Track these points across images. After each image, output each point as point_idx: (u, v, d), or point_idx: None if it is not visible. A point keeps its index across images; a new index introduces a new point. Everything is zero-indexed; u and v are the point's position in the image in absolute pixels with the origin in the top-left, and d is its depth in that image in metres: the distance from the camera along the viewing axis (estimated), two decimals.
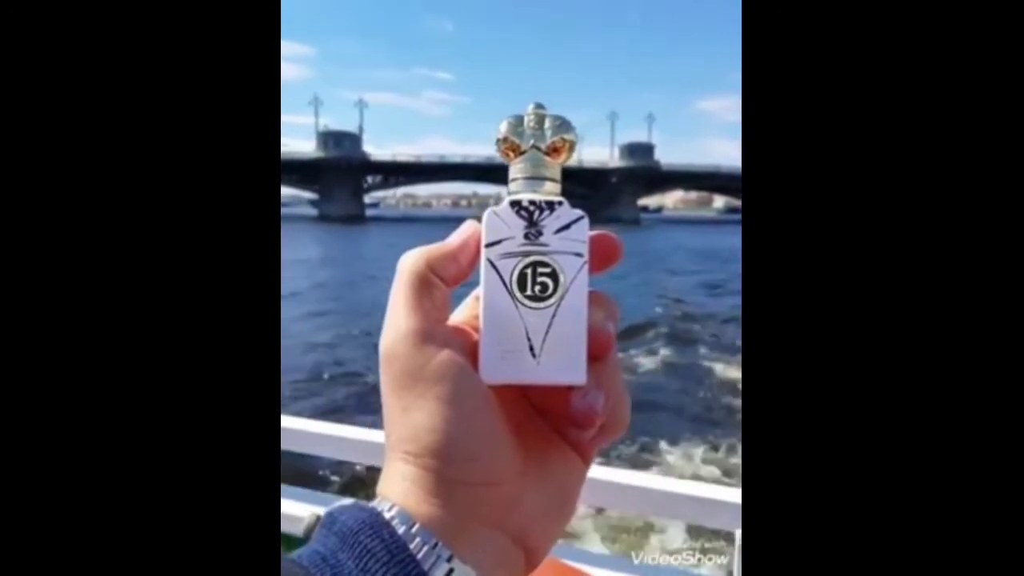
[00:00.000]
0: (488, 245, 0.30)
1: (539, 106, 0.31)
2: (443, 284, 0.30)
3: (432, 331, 0.29)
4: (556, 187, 0.31)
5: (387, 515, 0.27)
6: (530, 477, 0.30)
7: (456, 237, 0.31)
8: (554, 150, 0.30)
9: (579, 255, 0.29)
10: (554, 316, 0.29)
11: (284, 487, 1.26)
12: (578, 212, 0.30)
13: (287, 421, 1.32)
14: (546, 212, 0.30)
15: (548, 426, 0.32)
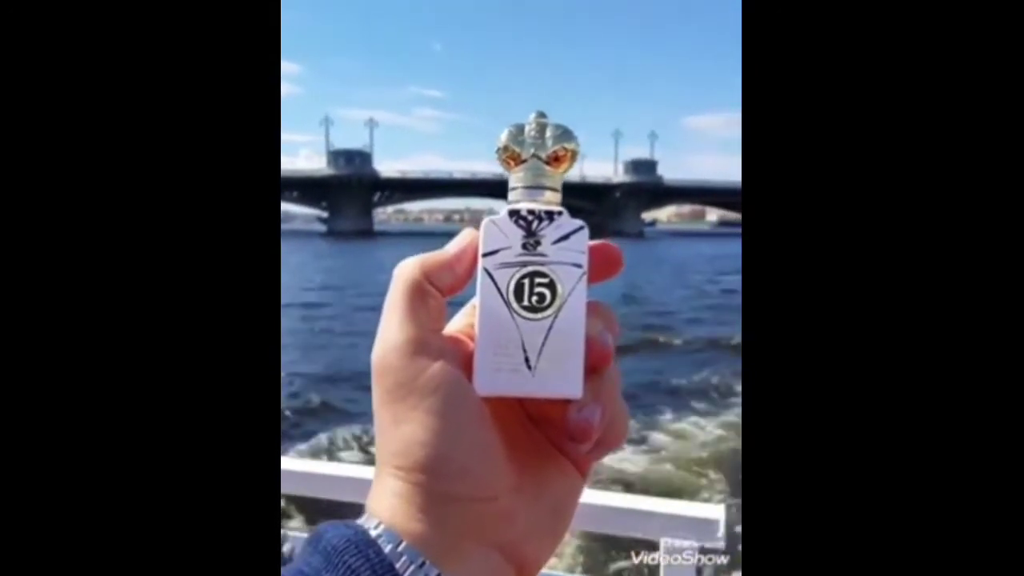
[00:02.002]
0: (485, 255, 0.29)
1: (541, 115, 0.30)
2: (439, 293, 0.30)
3: (426, 341, 0.28)
4: (556, 196, 0.30)
5: (373, 533, 0.27)
6: (525, 492, 0.29)
7: (453, 246, 0.30)
8: (555, 159, 0.30)
9: (578, 266, 0.29)
10: (551, 327, 0.29)
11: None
12: (578, 222, 0.29)
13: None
14: (545, 222, 0.29)
15: (545, 439, 0.31)
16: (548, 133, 0.30)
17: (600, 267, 0.30)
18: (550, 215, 0.29)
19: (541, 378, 0.29)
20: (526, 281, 0.29)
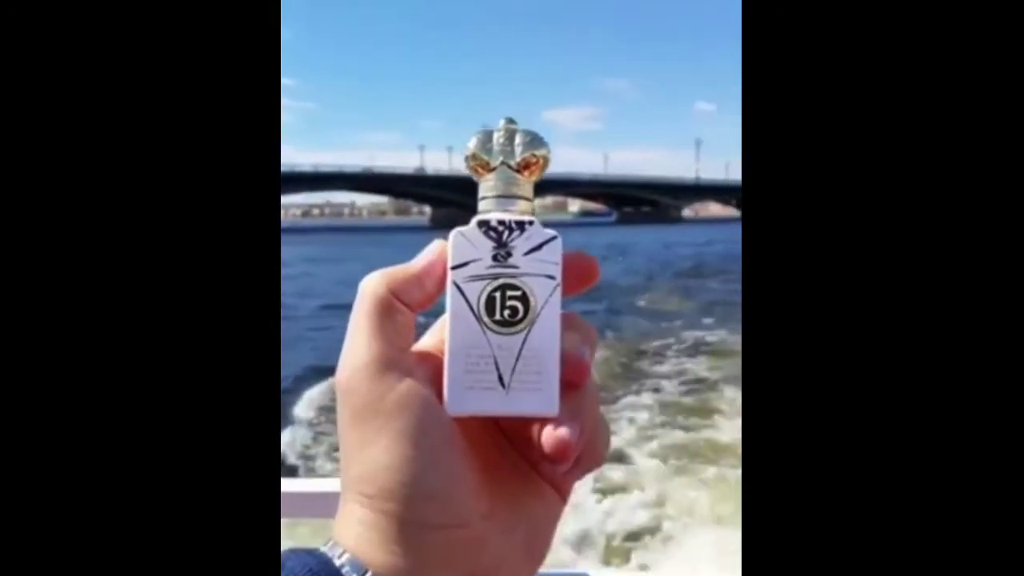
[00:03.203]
0: (454, 267, 0.28)
1: (510, 121, 0.29)
2: (407, 309, 0.28)
3: (393, 359, 0.27)
4: (528, 205, 0.29)
5: (338, 562, 0.26)
6: (499, 516, 0.28)
7: (421, 259, 0.29)
8: (525, 167, 0.29)
9: (551, 277, 0.28)
10: (524, 342, 0.28)
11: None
12: (550, 232, 0.28)
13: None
14: (516, 232, 0.28)
15: (521, 459, 0.30)
16: (517, 140, 0.29)
17: (574, 278, 0.28)
18: (521, 225, 0.28)
19: (515, 396, 0.28)
20: (497, 294, 0.28)
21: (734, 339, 6.70)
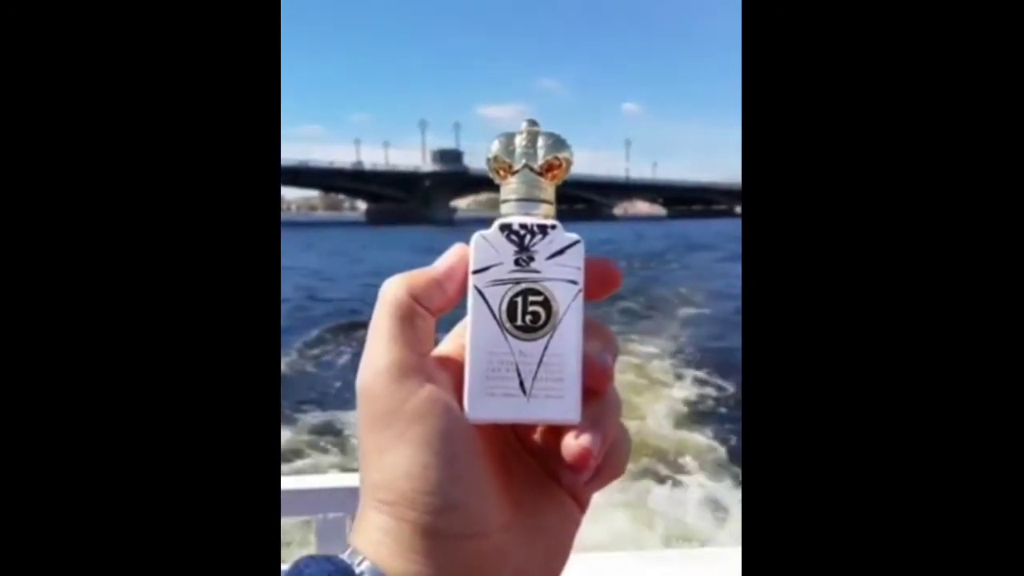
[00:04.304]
0: (476, 272, 0.27)
1: (532, 123, 0.29)
2: (427, 313, 0.28)
3: (413, 365, 0.27)
4: (551, 209, 0.29)
5: (357, 570, 0.25)
6: (518, 527, 0.27)
7: (442, 262, 0.28)
8: (547, 169, 0.28)
9: (573, 282, 0.27)
10: (546, 348, 0.27)
11: None
12: (573, 236, 0.28)
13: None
14: (538, 236, 0.28)
15: (540, 468, 0.29)
16: (540, 143, 0.28)
17: (596, 283, 0.28)
18: (543, 229, 0.28)
19: (537, 403, 0.27)
20: (519, 299, 0.27)
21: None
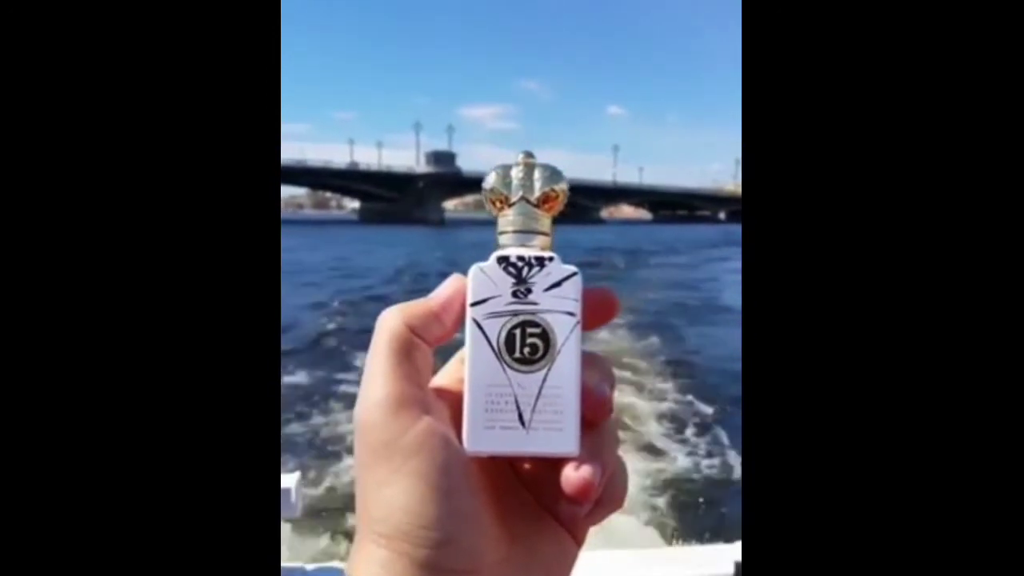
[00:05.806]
0: (474, 304, 0.27)
1: (528, 155, 0.29)
2: (425, 345, 0.27)
3: (411, 397, 0.26)
4: (547, 240, 0.29)
5: None
6: (514, 561, 0.27)
7: (440, 294, 0.28)
8: (544, 201, 0.28)
9: (571, 314, 0.27)
10: (545, 380, 0.27)
11: None
12: (570, 268, 0.28)
13: None
14: (536, 268, 0.28)
15: (537, 502, 0.29)
16: (536, 175, 0.28)
17: (593, 314, 0.28)
18: (541, 261, 0.28)
19: (536, 435, 0.27)
20: (517, 331, 0.27)
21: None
